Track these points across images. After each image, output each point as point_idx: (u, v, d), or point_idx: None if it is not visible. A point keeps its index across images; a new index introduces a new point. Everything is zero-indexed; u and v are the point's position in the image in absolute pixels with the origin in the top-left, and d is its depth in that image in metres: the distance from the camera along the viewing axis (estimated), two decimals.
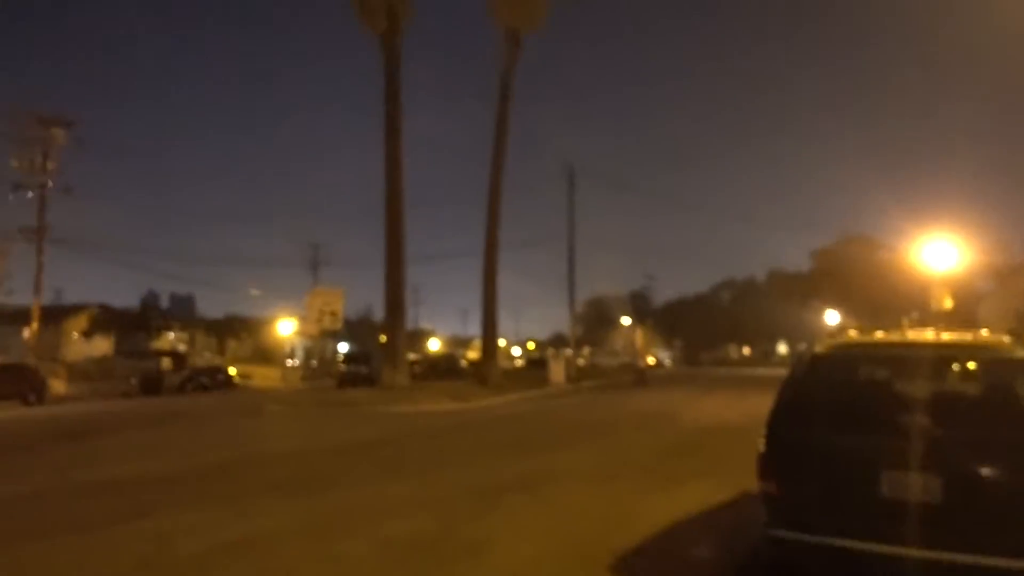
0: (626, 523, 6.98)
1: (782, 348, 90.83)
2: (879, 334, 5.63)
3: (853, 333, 5.64)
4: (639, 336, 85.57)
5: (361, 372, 39.75)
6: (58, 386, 38.21)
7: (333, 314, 29.51)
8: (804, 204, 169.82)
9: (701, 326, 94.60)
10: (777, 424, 4.74)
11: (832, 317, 60.95)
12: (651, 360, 54.89)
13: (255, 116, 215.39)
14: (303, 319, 39.02)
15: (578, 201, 49.28)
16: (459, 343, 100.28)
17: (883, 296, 54.49)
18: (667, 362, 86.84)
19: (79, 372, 44.36)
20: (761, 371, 51.05)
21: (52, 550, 6.49)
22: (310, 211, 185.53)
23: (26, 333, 40.34)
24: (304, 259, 62.59)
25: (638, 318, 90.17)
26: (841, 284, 60.51)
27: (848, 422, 4.58)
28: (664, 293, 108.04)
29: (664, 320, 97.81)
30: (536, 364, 50.58)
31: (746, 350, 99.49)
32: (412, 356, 46.90)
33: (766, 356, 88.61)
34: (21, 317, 41.07)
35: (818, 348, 5.05)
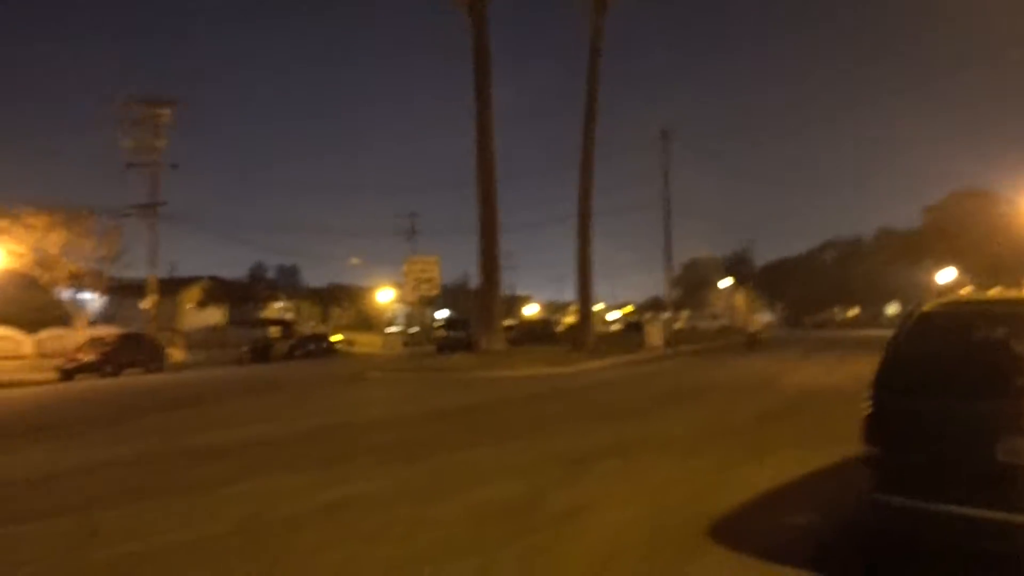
0: (722, 489, 6.81)
1: (892, 309, 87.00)
2: (993, 291, 5.23)
3: (965, 291, 5.25)
4: (740, 298, 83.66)
5: (458, 338, 40.38)
6: (175, 354, 40.44)
7: (429, 281, 29.89)
8: (915, 161, 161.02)
9: (804, 288, 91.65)
10: (882, 386, 4.49)
11: (946, 275, 57.96)
12: (761, 322, 52.26)
13: (353, 87, 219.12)
14: (401, 287, 39.81)
15: (676, 163, 48.42)
16: (555, 309, 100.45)
17: (1002, 253, 51.38)
18: (761, 324, 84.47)
19: (194, 341, 46.80)
20: (868, 333, 49.07)
21: (159, 509, 6.85)
22: (408, 180, 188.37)
23: (144, 305, 42.71)
24: (402, 228, 63.86)
25: (738, 280, 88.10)
26: (956, 241, 57.35)
27: (959, 383, 4.27)
28: (766, 255, 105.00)
29: (765, 282, 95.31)
30: (633, 328, 50.11)
31: (853, 311, 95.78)
32: (508, 322, 47.24)
33: (874, 318, 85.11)
34: (138, 290, 43.50)
35: (926, 306, 4.72)
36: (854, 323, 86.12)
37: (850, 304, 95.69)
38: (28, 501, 7.48)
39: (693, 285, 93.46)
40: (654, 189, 47.30)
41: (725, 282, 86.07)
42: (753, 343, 35.66)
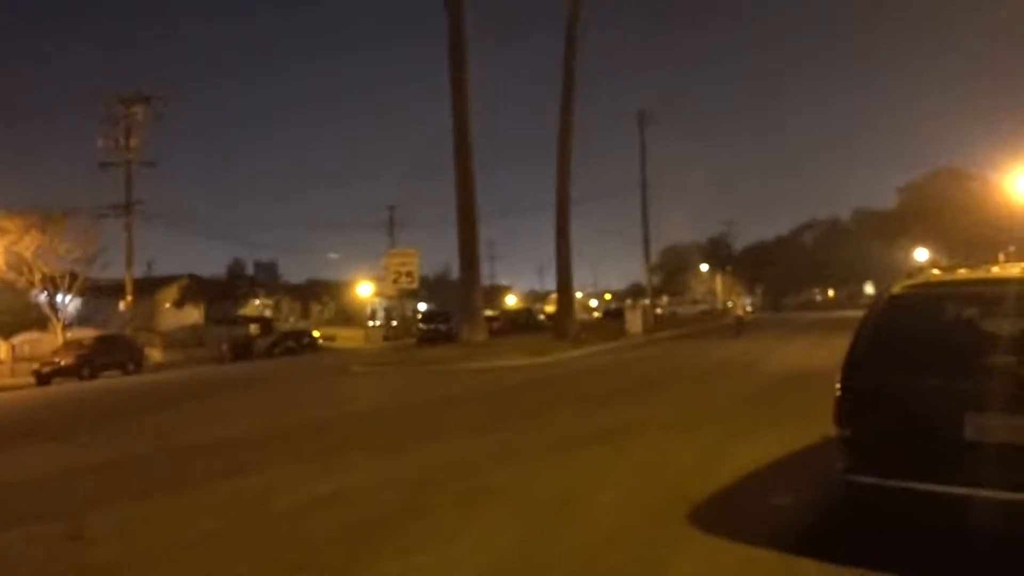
0: (705, 472, 6.95)
1: (869, 289, 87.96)
2: (962, 271, 5.36)
3: (935, 271, 5.39)
4: (720, 283, 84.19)
5: (440, 330, 40.47)
6: (155, 355, 40.16)
7: (409, 274, 29.86)
8: (889, 140, 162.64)
9: (783, 270, 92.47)
10: (853, 367, 4.61)
11: (921, 255, 58.70)
12: (747, 306, 51.84)
13: (328, 81, 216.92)
14: (381, 280, 39.78)
15: (656, 146, 48.76)
16: (537, 298, 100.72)
17: (977, 230, 52.11)
18: (747, 308, 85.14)
19: (173, 341, 46.48)
20: (847, 313, 49.60)
21: (153, 509, 6.87)
22: (387, 172, 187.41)
23: (121, 306, 42.30)
24: (381, 221, 63.78)
25: (718, 264, 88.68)
26: (931, 220, 58.17)
27: (928, 363, 4.40)
28: (745, 238, 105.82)
29: (745, 265, 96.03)
30: (614, 315, 50.40)
31: (831, 292, 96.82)
32: (490, 312, 47.33)
33: (852, 298, 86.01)
34: (116, 291, 43.10)
35: (895, 288, 4.85)
36: (833, 304, 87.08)
37: (829, 285, 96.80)
38: (14, 506, 7.43)
39: (673, 270, 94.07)
40: (634, 172, 47.64)
41: (704, 267, 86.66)
42: (741, 327, 35.91)
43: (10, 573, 5.22)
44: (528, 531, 5.48)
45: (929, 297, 4.81)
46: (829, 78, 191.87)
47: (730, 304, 48.85)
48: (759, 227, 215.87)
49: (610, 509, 5.99)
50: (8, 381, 31.24)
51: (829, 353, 18.80)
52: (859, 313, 5.47)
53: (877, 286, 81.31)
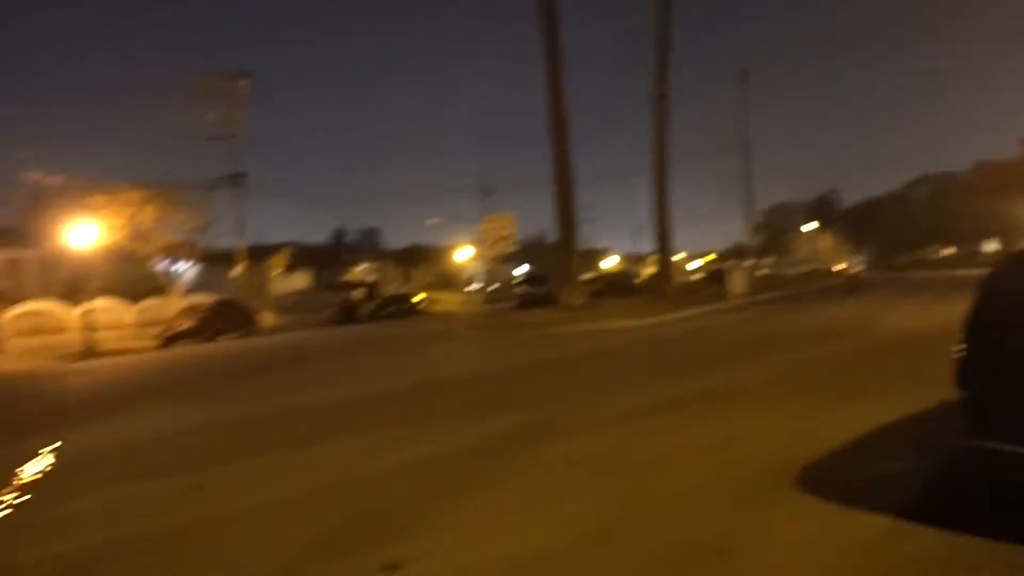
0: (811, 436, 6.71)
1: (991, 246, 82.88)
2: None
3: None
4: (826, 242, 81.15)
5: (538, 293, 40.53)
6: (266, 319, 41.89)
7: (506, 239, 30.09)
8: (1006, 90, 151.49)
9: (895, 227, 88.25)
10: (974, 328, 4.34)
11: None
12: (858, 265, 49.81)
13: (425, 48, 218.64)
14: (478, 245, 40.22)
15: (758, 103, 47.28)
16: (635, 260, 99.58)
17: None
18: (859, 267, 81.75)
19: (282, 305, 48.35)
20: (964, 272, 47.05)
21: (265, 467, 7.23)
22: (484, 138, 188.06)
23: (233, 272, 44.28)
24: (478, 186, 64.31)
25: (825, 223, 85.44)
26: None
27: None
28: (853, 195, 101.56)
29: (853, 224, 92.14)
30: (715, 277, 49.30)
31: (948, 250, 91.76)
32: (588, 275, 47.10)
33: (971, 256, 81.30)
34: (227, 259, 45.14)
35: (1020, 246, 4.54)
36: (949, 263, 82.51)
37: (945, 243, 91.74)
38: (145, 460, 8.02)
39: (777, 231, 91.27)
40: (735, 131, 46.31)
41: (809, 226, 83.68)
42: (852, 287, 34.42)
43: (141, 523, 5.61)
44: (622, 493, 5.46)
45: None
46: (939, 26, 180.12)
47: (839, 265, 46.85)
48: (870, 185, 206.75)
49: (709, 473, 5.86)
50: (137, 344, 33.30)
51: (945, 314, 17.93)
52: (977, 272, 5.15)
53: (1000, 243, 76.55)
